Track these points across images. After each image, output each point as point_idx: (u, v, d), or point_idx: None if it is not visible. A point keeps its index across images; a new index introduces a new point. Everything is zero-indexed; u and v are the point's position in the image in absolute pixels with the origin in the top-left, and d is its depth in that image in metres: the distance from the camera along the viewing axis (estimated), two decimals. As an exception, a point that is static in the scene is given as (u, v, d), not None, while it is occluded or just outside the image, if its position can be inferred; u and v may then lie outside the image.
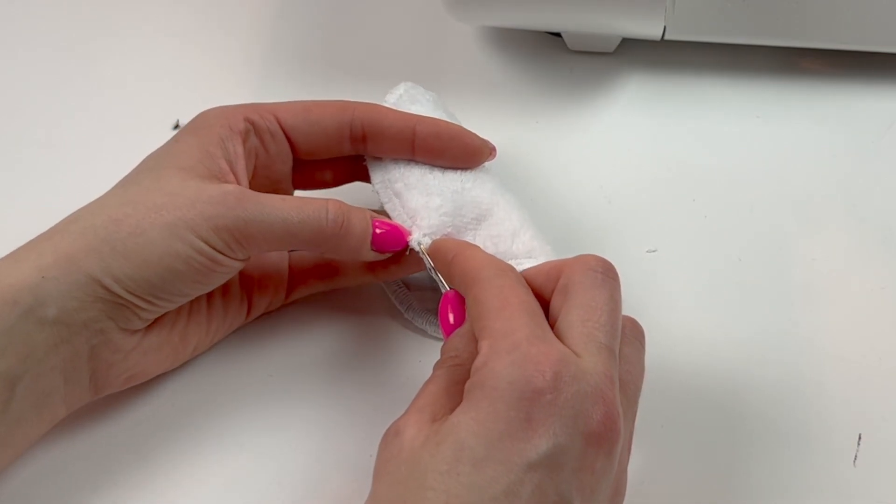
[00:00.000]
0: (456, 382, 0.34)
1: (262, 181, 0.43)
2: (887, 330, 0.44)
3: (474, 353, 0.35)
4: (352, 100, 0.43)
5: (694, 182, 0.50)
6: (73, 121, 0.55)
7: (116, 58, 0.58)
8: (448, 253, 0.39)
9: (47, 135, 0.54)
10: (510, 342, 0.32)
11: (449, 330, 0.37)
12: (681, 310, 0.45)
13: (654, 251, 0.48)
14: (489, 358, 0.32)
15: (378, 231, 0.40)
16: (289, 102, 0.42)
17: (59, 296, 0.35)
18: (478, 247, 0.40)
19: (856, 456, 0.40)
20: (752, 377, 0.43)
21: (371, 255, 0.40)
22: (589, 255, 0.36)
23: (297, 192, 0.45)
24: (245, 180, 0.40)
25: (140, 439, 0.41)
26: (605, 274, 0.35)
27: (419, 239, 0.41)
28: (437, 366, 0.36)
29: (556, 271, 0.36)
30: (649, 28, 0.51)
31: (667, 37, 0.52)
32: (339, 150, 0.43)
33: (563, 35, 0.56)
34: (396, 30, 0.59)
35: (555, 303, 0.35)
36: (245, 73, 0.57)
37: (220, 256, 0.37)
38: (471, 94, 0.55)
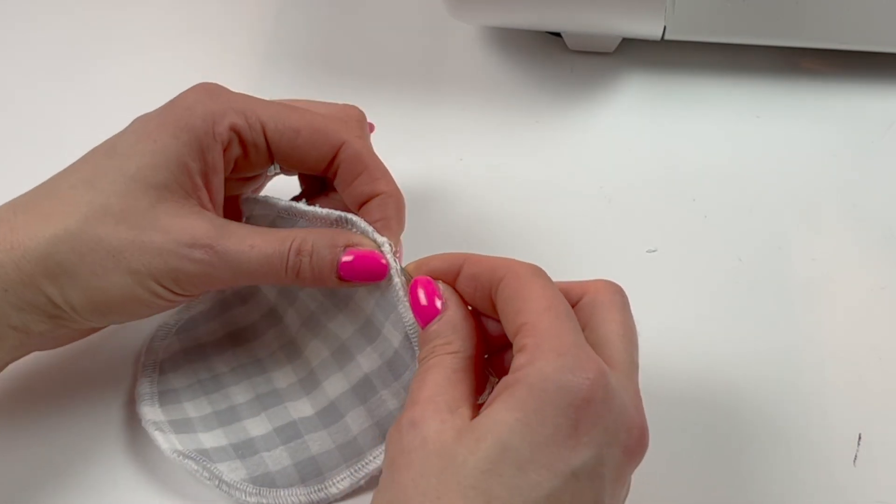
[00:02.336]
0: (455, 370, 0.34)
1: (233, 182, 0.42)
2: (887, 330, 0.44)
3: (470, 343, 0.35)
4: (345, 113, 0.42)
5: (694, 182, 0.50)
6: (73, 121, 0.55)
7: (116, 58, 0.58)
8: (454, 262, 0.37)
9: (46, 135, 0.54)
10: (559, 344, 0.32)
11: (423, 315, 0.36)
12: (681, 310, 0.45)
13: (654, 251, 0.48)
14: (537, 356, 0.32)
15: (346, 259, 0.38)
16: (282, 111, 0.40)
17: (18, 309, 0.36)
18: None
19: (856, 456, 0.40)
20: (752, 377, 0.43)
21: (336, 285, 0.39)
22: (609, 280, 0.36)
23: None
24: (219, 194, 0.39)
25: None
26: (627, 300, 0.36)
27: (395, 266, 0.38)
28: (426, 354, 0.35)
29: (578, 289, 0.36)
30: (649, 28, 0.51)
31: (667, 37, 0.52)
32: (314, 172, 0.42)
33: (563, 35, 0.56)
34: (396, 30, 0.59)
35: (580, 315, 0.35)
36: (245, 73, 0.57)
37: (178, 298, 0.38)
38: (471, 95, 0.55)
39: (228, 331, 0.44)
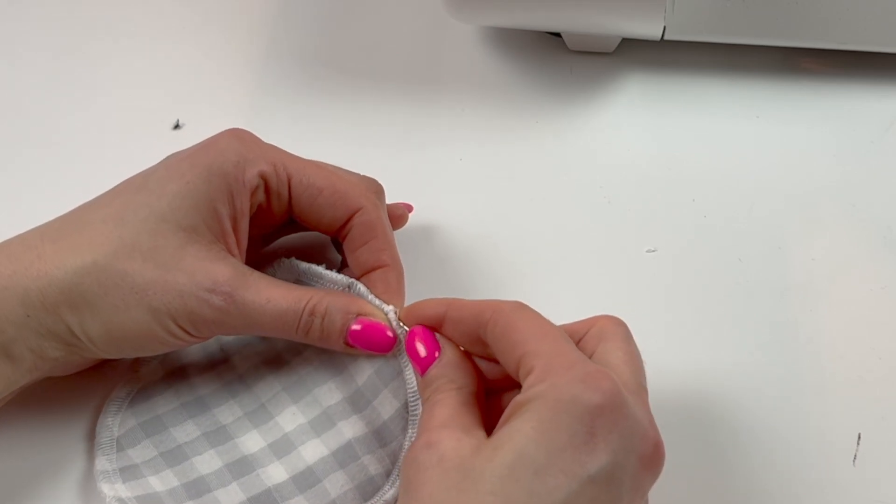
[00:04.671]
0: (463, 404, 0.35)
1: (252, 230, 0.42)
2: (887, 330, 0.44)
3: (472, 380, 0.36)
4: (366, 184, 0.43)
5: (694, 182, 0.50)
6: (73, 121, 0.55)
7: (116, 58, 0.58)
8: (437, 308, 0.38)
9: (47, 135, 0.54)
10: (566, 360, 0.33)
11: (422, 363, 0.37)
12: (680, 309, 0.45)
13: (654, 251, 0.48)
14: (547, 374, 0.32)
15: (356, 328, 0.39)
16: (308, 168, 0.41)
17: (38, 335, 0.37)
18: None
19: (855, 456, 0.40)
20: (752, 377, 0.43)
21: (342, 349, 0.40)
22: (611, 315, 0.37)
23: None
24: (244, 238, 0.40)
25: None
26: (630, 332, 0.37)
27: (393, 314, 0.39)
28: (429, 394, 0.36)
29: (583, 325, 0.37)
30: (649, 28, 0.51)
31: (667, 37, 0.52)
32: (327, 231, 0.42)
33: (563, 35, 0.56)
34: (396, 30, 0.59)
35: (587, 346, 0.36)
36: (245, 73, 0.57)
37: (191, 339, 0.39)
38: (471, 95, 0.55)
39: (185, 400, 0.43)
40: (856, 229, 0.48)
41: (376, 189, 0.43)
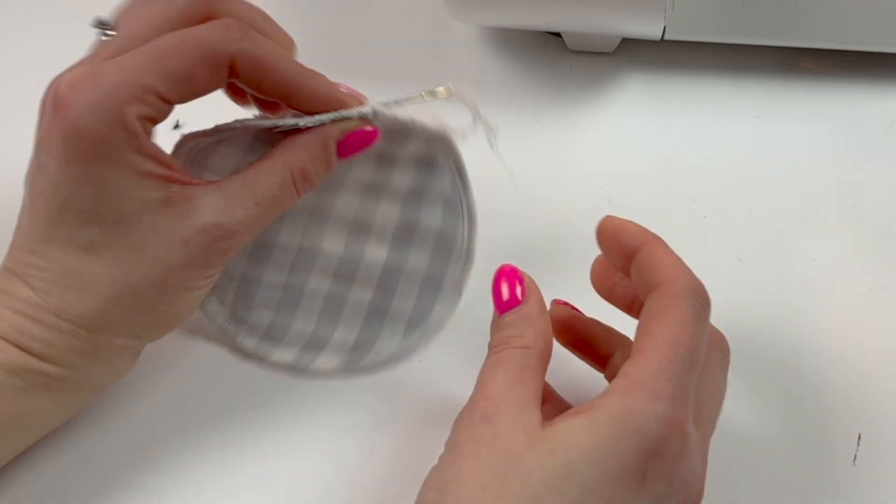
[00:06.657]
0: (524, 367, 0.34)
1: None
2: (887, 330, 0.44)
3: (542, 339, 0.35)
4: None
5: (694, 182, 0.50)
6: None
7: (116, 58, 0.58)
8: (633, 240, 0.37)
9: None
10: (658, 389, 0.31)
11: (503, 306, 0.36)
12: (681, 310, 0.45)
13: (654, 251, 0.48)
14: (630, 391, 0.32)
15: (342, 149, 0.39)
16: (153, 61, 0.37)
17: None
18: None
19: (855, 456, 0.40)
20: (752, 377, 0.43)
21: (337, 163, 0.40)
22: (721, 334, 0.36)
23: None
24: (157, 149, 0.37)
25: (143, 440, 0.41)
26: (729, 358, 0.36)
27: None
28: (497, 342, 0.35)
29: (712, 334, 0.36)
30: (649, 28, 0.51)
31: (667, 37, 0.52)
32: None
33: (563, 35, 0.56)
34: (396, 30, 0.59)
35: (638, 286, 0.36)
36: (245, 73, 0.57)
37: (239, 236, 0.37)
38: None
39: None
40: (856, 229, 0.48)
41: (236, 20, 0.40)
